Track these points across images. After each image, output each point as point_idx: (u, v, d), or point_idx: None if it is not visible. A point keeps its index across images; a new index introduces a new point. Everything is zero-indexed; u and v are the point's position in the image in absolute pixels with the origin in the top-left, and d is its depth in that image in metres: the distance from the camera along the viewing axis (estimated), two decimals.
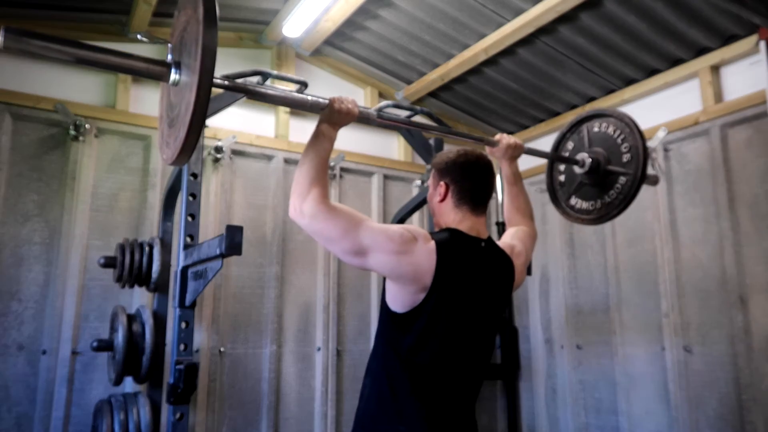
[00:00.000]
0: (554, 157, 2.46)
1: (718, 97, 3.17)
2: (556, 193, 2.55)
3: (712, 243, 3.09)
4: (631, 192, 2.23)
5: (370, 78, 4.14)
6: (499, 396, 4.21)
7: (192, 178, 2.37)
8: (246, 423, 3.31)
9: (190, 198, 2.37)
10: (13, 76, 2.98)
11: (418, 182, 4.17)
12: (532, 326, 4.16)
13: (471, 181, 1.66)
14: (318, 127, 1.63)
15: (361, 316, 3.83)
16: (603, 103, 3.69)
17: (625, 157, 2.27)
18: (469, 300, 1.57)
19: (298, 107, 1.65)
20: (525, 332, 4.19)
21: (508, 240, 1.85)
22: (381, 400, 1.55)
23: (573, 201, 2.47)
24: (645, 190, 3.31)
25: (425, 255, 1.50)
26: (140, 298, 3.06)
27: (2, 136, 2.91)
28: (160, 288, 2.77)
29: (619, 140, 2.30)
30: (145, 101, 3.33)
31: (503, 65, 3.64)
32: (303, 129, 3.77)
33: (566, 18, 3.08)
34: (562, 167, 2.53)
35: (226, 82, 1.53)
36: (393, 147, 4.27)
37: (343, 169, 3.95)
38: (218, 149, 3.42)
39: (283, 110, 3.77)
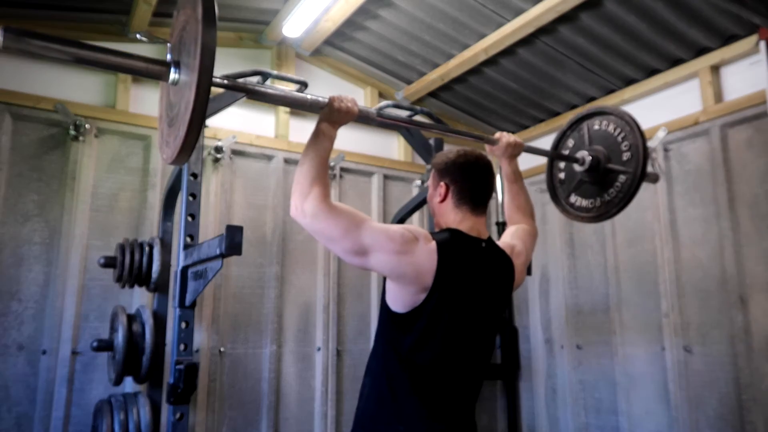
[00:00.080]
0: (554, 155, 2.46)
1: (718, 97, 3.17)
2: (555, 190, 2.55)
3: (712, 243, 3.09)
4: (631, 191, 2.23)
5: (370, 78, 4.14)
6: (499, 396, 4.21)
7: (192, 178, 2.37)
8: (246, 423, 3.31)
9: (190, 198, 2.36)
10: (13, 76, 2.98)
11: (418, 182, 4.17)
12: (532, 326, 4.16)
13: (471, 182, 1.66)
14: (318, 126, 1.63)
15: (361, 316, 3.83)
16: (603, 103, 3.69)
17: (625, 156, 2.27)
18: (470, 300, 1.57)
19: (298, 106, 1.65)
20: (525, 332, 4.19)
21: (508, 239, 1.85)
22: (381, 400, 1.55)
23: (573, 199, 2.47)
24: (645, 191, 3.31)
25: (426, 255, 1.50)
26: (140, 298, 3.06)
27: (2, 136, 2.91)
28: (160, 288, 2.77)
29: (619, 138, 2.30)
30: (145, 101, 3.33)
31: (503, 65, 3.64)
32: (303, 129, 3.77)
33: (566, 18, 3.08)
34: (562, 165, 2.53)
35: (226, 82, 1.53)
36: (393, 147, 4.27)
37: (343, 169, 3.95)
38: (218, 149, 3.43)
39: (283, 110, 3.77)
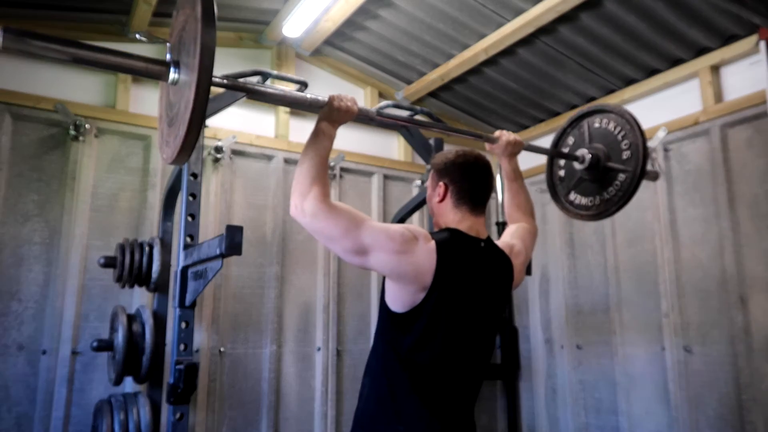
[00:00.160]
0: (554, 153, 2.46)
1: (718, 97, 3.17)
2: (555, 188, 2.56)
3: (712, 243, 3.09)
4: (630, 189, 2.23)
5: (370, 78, 4.14)
6: (499, 396, 4.21)
7: (192, 178, 2.37)
8: (246, 423, 3.31)
9: (190, 198, 2.36)
10: (13, 76, 2.98)
11: (418, 182, 4.17)
12: (532, 326, 4.16)
13: (470, 182, 1.66)
14: (317, 125, 1.63)
15: (361, 316, 3.83)
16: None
17: (625, 154, 2.27)
18: (469, 299, 1.57)
19: (298, 106, 1.65)
20: (525, 332, 4.19)
21: (507, 239, 1.85)
22: (380, 400, 1.55)
23: (572, 196, 2.47)
24: (645, 191, 3.32)
25: (425, 255, 1.50)
26: (140, 298, 3.06)
27: (2, 136, 2.91)
28: (160, 288, 2.77)
29: (619, 137, 2.31)
30: (145, 101, 3.33)
31: (503, 65, 3.64)
32: (303, 129, 3.78)
33: (566, 18, 3.08)
34: (562, 162, 2.53)
35: (225, 81, 1.53)
36: (393, 147, 4.27)
37: (343, 169, 3.95)
38: (218, 149, 3.43)
39: (283, 110, 3.78)
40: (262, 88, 1.61)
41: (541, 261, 4.08)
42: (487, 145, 2.11)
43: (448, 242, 1.56)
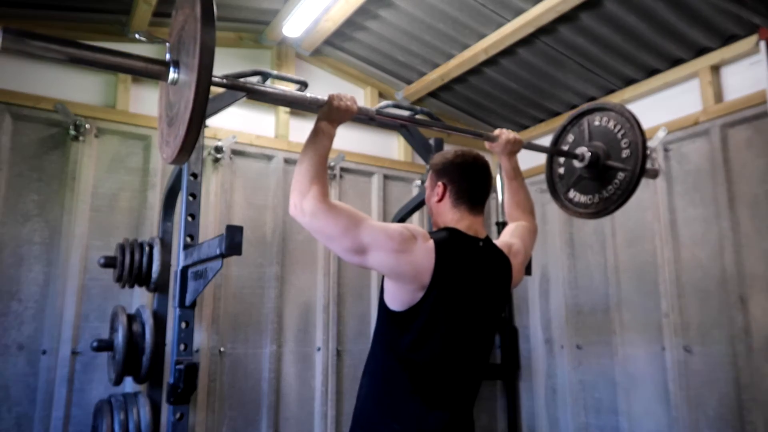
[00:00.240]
0: (554, 151, 2.47)
1: (718, 97, 3.17)
2: (555, 185, 2.55)
3: (712, 243, 3.09)
4: (629, 188, 2.23)
5: (370, 78, 4.14)
6: (499, 396, 4.21)
7: (192, 178, 2.37)
8: (246, 423, 3.31)
9: (190, 198, 2.36)
10: (13, 76, 2.98)
11: (418, 182, 4.17)
12: (532, 326, 4.16)
13: (468, 181, 1.67)
14: (317, 124, 1.64)
15: (361, 316, 3.83)
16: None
17: (625, 153, 2.27)
18: (467, 298, 1.57)
19: (298, 105, 1.65)
20: (525, 332, 4.19)
21: (506, 238, 1.85)
22: (378, 399, 1.55)
23: (571, 194, 2.47)
24: (645, 191, 3.32)
25: (424, 253, 1.50)
26: (140, 298, 3.06)
27: (2, 136, 2.91)
28: (160, 288, 2.77)
29: (619, 135, 2.30)
30: (145, 101, 3.33)
31: (503, 65, 3.64)
32: (303, 129, 3.77)
33: (566, 18, 3.08)
34: (562, 160, 2.53)
35: (225, 81, 1.53)
36: (393, 147, 4.27)
37: (343, 169, 3.95)
38: (218, 149, 3.43)
39: (283, 110, 3.78)
40: (262, 88, 1.61)
41: (541, 261, 4.07)
42: (486, 144, 2.11)
43: (447, 241, 1.56)
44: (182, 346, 2.22)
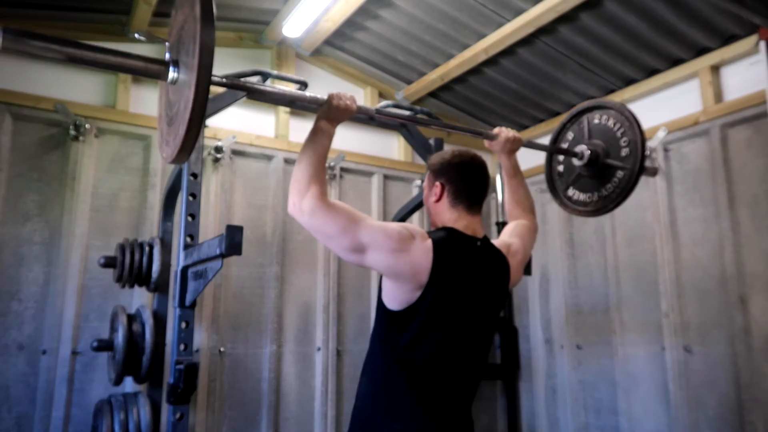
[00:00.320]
0: (553, 149, 2.47)
1: (718, 97, 3.17)
2: (554, 183, 2.55)
3: (712, 243, 3.09)
4: (628, 187, 2.23)
5: (370, 78, 4.14)
6: (499, 396, 4.21)
7: (192, 178, 2.37)
8: (246, 423, 3.31)
9: (190, 198, 2.36)
10: (13, 76, 2.98)
11: (418, 182, 4.17)
12: (532, 326, 4.16)
13: (466, 181, 1.67)
14: (316, 123, 1.64)
15: (361, 316, 3.83)
16: None
17: (624, 152, 2.27)
18: (465, 298, 1.58)
19: (297, 105, 1.65)
20: (525, 332, 4.19)
21: (505, 238, 1.85)
22: (377, 399, 1.55)
23: (571, 192, 2.47)
24: (645, 191, 3.33)
25: (422, 253, 1.51)
26: (140, 298, 3.06)
27: (2, 136, 2.91)
28: (160, 288, 2.77)
29: (618, 133, 2.30)
30: (145, 101, 3.33)
31: (503, 65, 3.64)
32: (303, 129, 3.77)
33: (566, 18, 3.08)
34: (561, 157, 2.53)
35: (224, 80, 1.53)
36: (393, 147, 4.27)
37: (343, 169, 3.95)
38: (218, 149, 3.43)
39: (283, 110, 3.78)
40: (262, 87, 1.61)
41: (541, 261, 4.07)
42: (486, 142, 2.11)
43: (445, 241, 1.57)
44: (182, 346, 2.22)
